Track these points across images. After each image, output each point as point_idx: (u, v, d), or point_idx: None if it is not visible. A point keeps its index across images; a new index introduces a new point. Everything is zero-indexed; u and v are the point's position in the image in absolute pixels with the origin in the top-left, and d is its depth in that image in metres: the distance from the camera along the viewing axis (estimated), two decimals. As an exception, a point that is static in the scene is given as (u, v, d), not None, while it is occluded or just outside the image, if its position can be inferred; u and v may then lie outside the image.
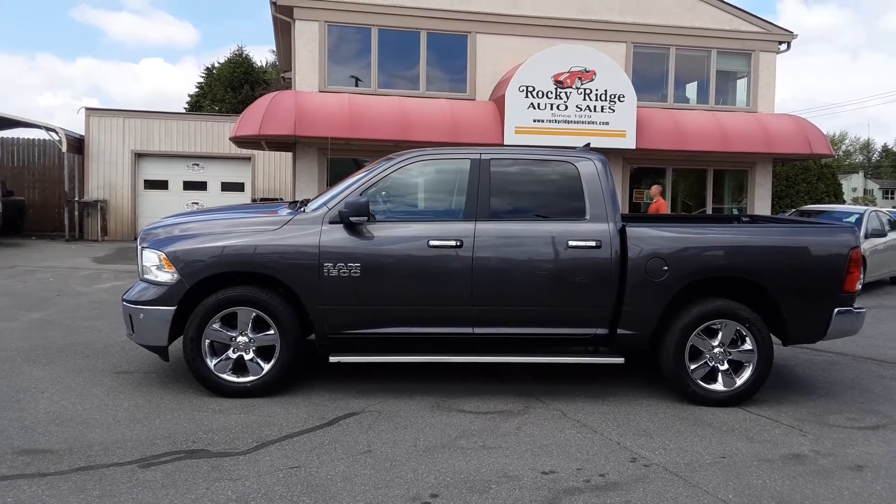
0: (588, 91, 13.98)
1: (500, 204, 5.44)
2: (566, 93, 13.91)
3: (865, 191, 69.93)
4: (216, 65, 35.01)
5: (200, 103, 34.36)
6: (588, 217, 5.41)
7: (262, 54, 66.11)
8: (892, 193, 71.82)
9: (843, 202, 27.09)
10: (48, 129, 19.22)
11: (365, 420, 4.83)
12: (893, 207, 39.64)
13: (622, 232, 5.35)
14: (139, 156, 20.47)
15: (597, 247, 5.30)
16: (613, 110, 14.06)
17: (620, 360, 5.54)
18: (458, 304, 5.27)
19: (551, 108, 13.89)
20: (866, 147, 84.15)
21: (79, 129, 20.36)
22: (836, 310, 5.44)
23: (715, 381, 5.39)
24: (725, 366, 5.38)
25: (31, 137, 21.54)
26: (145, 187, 20.68)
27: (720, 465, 4.23)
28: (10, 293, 9.99)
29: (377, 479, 3.86)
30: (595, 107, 14.01)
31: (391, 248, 5.24)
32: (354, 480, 3.84)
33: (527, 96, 13.74)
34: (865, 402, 5.65)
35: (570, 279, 5.29)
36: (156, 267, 5.21)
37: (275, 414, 4.90)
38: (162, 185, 20.78)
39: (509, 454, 4.29)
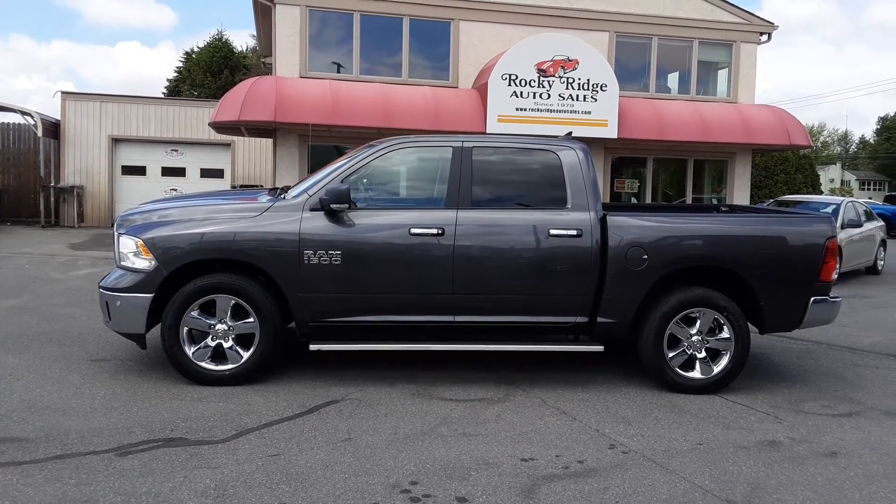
0: (571, 80, 13.98)
1: (481, 192, 5.43)
2: (549, 81, 13.90)
3: (843, 182, 70.87)
4: (195, 49, 34.58)
5: (179, 88, 33.93)
6: (569, 206, 5.42)
7: (243, 39, 65.29)
8: (869, 185, 72.86)
9: (821, 193, 27.43)
10: (23, 112, 18.88)
11: (345, 408, 4.83)
12: (870, 198, 40.27)
13: (603, 221, 5.37)
14: (116, 141, 20.19)
15: (578, 235, 5.31)
16: (596, 100, 14.08)
17: (600, 348, 5.58)
18: (439, 293, 5.27)
19: (534, 97, 13.87)
20: (844, 139, 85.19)
21: (54, 113, 20.04)
22: (812, 299, 5.51)
23: (693, 368, 5.44)
24: (703, 354, 5.44)
25: (6, 121, 21.14)
26: (123, 173, 20.42)
27: (697, 451, 4.28)
28: (-16, 280, 9.83)
29: (357, 467, 3.86)
30: (577, 96, 14.02)
31: (372, 235, 5.21)
32: (334, 468, 3.83)
33: (510, 84, 13.71)
34: (840, 389, 5.75)
35: (550, 268, 5.30)
36: (133, 254, 5.15)
37: (254, 402, 4.87)
38: (140, 170, 20.54)
39: (489, 441, 4.31)
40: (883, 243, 14.30)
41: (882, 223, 14.78)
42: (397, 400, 5.03)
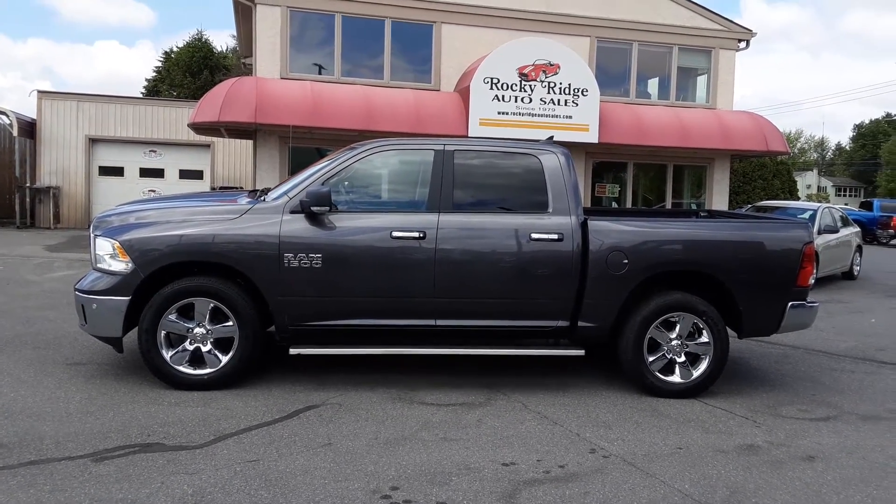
0: (552, 84, 14.03)
1: (463, 196, 5.43)
2: (531, 85, 13.94)
3: (819, 188, 71.86)
4: (175, 49, 34.28)
5: (158, 88, 33.61)
6: (551, 210, 5.43)
7: (223, 39, 64.96)
8: (845, 191, 73.98)
9: (798, 199, 27.81)
10: (-2, 111, 18.59)
11: (325, 413, 4.79)
12: (846, 204, 40.88)
13: (584, 225, 5.39)
14: (94, 141, 19.93)
15: (559, 240, 5.32)
16: (577, 104, 14.14)
17: (581, 352, 5.59)
18: (420, 296, 5.25)
19: (516, 101, 13.90)
20: (821, 145, 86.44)
21: (31, 112, 19.74)
22: (789, 304, 5.57)
23: (672, 373, 5.48)
24: (683, 358, 5.48)
25: (-20, 120, 20.80)
26: (100, 174, 20.16)
27: (677, 455, 4.30)
28: (-44, 281, 9.64)
29: (337, 472, 3.83)
30: (559, 100, 14.08)
31: (353, 238, 5.19)
32: (314, 473, 3.80)
33: (491, 88, 13.73)
34: (817, 393, 5.81)
35: (532, 272, 5.31)
36: (109, 256, 5.07)
37: (233, 407, 4.82)
38: (117, 171, 20.29)
39: (470, 446, 4.30)
40: (859, 249, 14.51)
41: (858, 229, 15.01)
42: (378, 404, 5.00)
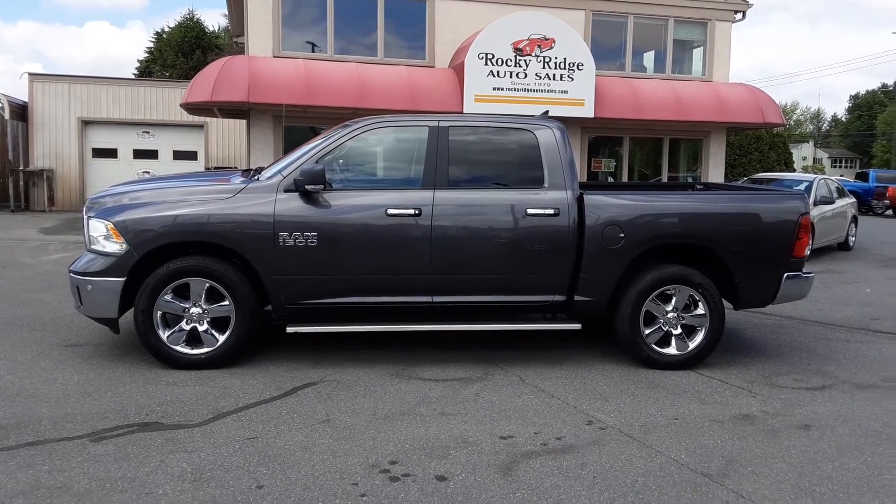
0: (547, 59, 13.91)
1: (458, 172, 5.40)
2: (525, 60, 13.83)
3: (815, 160, 71.85)
4: (166, 29, 33.91)
5: (150, 69, 33.29)
6: (546, 185, 5.41)
7: (215, 18, 64.30)
8: (841, 162, 73.91)
9: (794, 171, 27.78)
10: (-11, 95, 18.42)
11: (323, 390, 4.81)
12: (841, 176, 40.84)
13: (580, 200, 5.38)
14: (86, 123, 19.77)
15: (555, 215, 5.31)
16: (572, 79, 14.04)
17: (577, 326, 5.61)
18: (416, 273, 5.25)
19: (511, 76, 13.79)
20: (816, 117, 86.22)
21: (22, 95, 19.56)
22: (785, 275, 5.58)
23: (668, 345, 5.50)
24: (679, 330, 5.49)
25: (-29, 104, 20.61)
26: (93, 156, 20.01)
27: (673, 426, 4.32)
28: (-49, 266, 9.61)
29: (336, 448, 3.85)
30: (554, 75, 13.97)
31: (348, 216, 5.17)
32: (313, 449, 3.82)
33: (486, 63, 13.62)
34: (812, 363, 5.84)
35: (528, 247, 5.30)
36: (103, 237, 5.05)
37: (231, 385, 4.83)
38: (111, 153, 20.14)
39: (468, 420, 4.32)
40: (854, 220, 14.53)
41: (854, 200, 15.02)
42: (376, 381, 5.02)
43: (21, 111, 19.24)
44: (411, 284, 5.29)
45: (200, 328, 5.14)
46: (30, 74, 19.59)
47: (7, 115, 18.33)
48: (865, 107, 75.77)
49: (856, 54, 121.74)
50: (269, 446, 3.85)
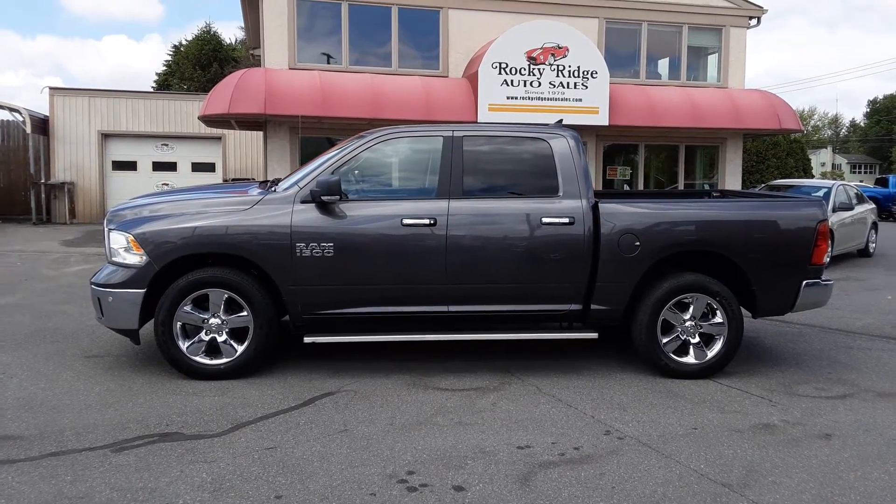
0: (561, 67, 13.93)
1: (473, 182, 5.42)
2: (539, 69, 13.85)
3: (833, 165, 71.08)
4: (184, 42, 34.32)
5: (168, 82, 33.70)
6: (561, 194, 5.41)
7: (231, 31, 64.95)
8: (860, 168, 73.10)
9: (812, 177, 27.51)
10: (11, 109, 18.71)
11: (341, 400, 4.83)
12: (861, 181, 40.42)
13: (595, 208, 5.37)
14: (106, 136, 20.05)
15: (570, 223, 5.31)
16: (586, 87, 14.04)
17: (594, 335, 5.59)
18: (432, 283, 5.26)
19: (525, 85, 13.82)
20: (835, 122, 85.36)
21: (43, 109, 19.87)
22: (804, 282, 5.53)
23: (686, 353, 5.46)
24: (697, 339, 5.46)
25: (-6, 118, 20.98)
26: (113, 168, 20.29)
27: (692, 436, 4.30)
28: (-25, 278, 9.77)
29: (353, 458, 3.86)
30: (568, 83, 13.98)
31: (364, 227, 5.20)
32: (331, 459, 3.84)
33: (500, 73, 13.65)
34: (833, 371, 5.78)
35: (543, 256, 5.30)
36: (124, 249, 5.12)
37: (249, 395, 4.87)
38: (130, 165, 20.41)
39: (485, 430, 4.32)
40: (874, 226, 14.36)
41: (873, 206, 14.85)
42: (393, 391, 5.03)
43: (42, 125, 19.54)
44: (427, 294, 5.30)
45: (219, 339, 5.19)
46: (50, 88, 19.91)
47: (29, 129, 18.62)
48: (884, 111, 74.87)
49: (874, 58, 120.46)
50: (287, 456, 3.87)
